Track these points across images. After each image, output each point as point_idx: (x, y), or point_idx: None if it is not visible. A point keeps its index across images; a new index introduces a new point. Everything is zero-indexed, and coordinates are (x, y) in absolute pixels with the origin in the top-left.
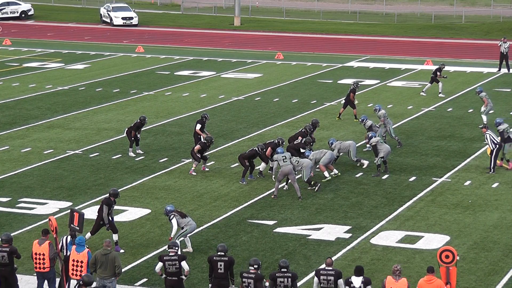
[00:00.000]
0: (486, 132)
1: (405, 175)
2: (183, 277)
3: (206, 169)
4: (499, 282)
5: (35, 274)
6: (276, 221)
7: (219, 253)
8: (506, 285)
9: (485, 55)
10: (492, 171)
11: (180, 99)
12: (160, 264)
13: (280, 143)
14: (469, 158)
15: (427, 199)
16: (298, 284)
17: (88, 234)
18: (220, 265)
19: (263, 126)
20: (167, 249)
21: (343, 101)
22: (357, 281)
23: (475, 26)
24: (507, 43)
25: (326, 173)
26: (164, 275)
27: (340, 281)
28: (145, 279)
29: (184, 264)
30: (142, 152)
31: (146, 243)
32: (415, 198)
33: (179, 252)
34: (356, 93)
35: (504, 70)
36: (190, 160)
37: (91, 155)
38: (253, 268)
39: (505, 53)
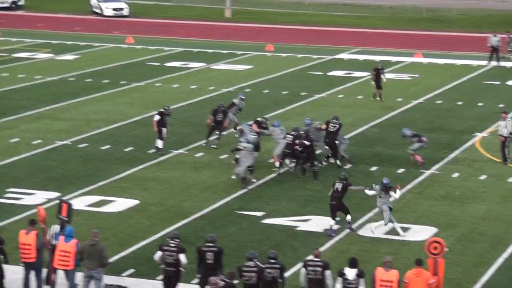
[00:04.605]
0: (507, 118)
1: (393, 167)
2: (182, 269)
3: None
4: (485, 273)
5: (22, 264)
6: (264, 212)
7: (208, 243)
8: (492, 277)
9: (476, 48)
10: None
11: (170, 90)
12: (159, 253)
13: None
14: (457, 150)
15: (415, 191)
16: (286, 275)
17: None
18: (209, 256)
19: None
20: (168, 239)
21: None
22: (351, 273)
23: (466, 19)
24: (497, 37)
25: (277, 164)
26: (163, 265)
27: (328, 272)
28: (132, 270)
29: (182, 257)
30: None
31: (134, 234)
32: (403, 190)
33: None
34: (346, 85)
35: (493, 63)
36: (180, 150)
37: (80, 146)
38: (253, 263)
39: (496, 47)
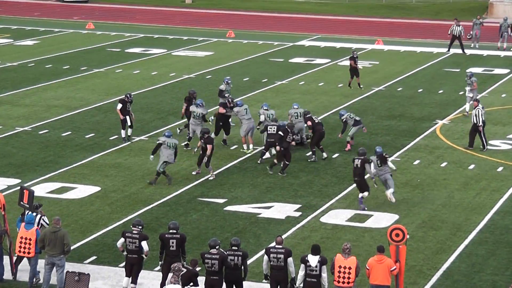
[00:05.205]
0: (478, 107)
1: (355, 155)
2: (144, 256)
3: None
4: (446, 260)
5: None
6: (226, 199)
7: (171, 230)
8: (453, 263)
9: (435, 35)
10: (485, 148)
11: (131, 76)
12: (121, 240)
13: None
14: (418, 137)
15: (377, 178)
16: (248, 262)
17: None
18: (172, 243)
19: (214, 104)
20: (131, 226)
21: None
22: (313, 260)
23: (426, 6)
24: (460, 26)
25: (245, 146)
26: (125, 252)
27: (290, 259)
28: (94, 257)
29: (144, 244)
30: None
31: (96, 220)
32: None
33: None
34: (309, 72)
35: (453, 51)
36: (141, 137)
37: (40, 132)
38: (215, 250)
39: (458, 35)
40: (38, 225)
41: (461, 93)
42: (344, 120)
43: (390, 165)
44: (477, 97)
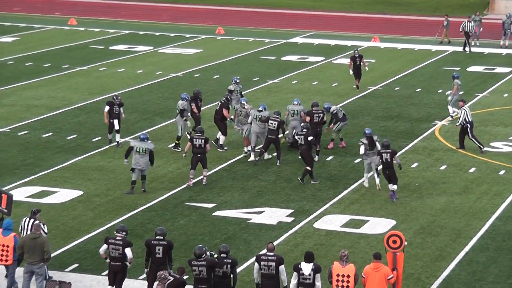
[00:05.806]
0: (463, 107)
1: (350, 157)
2: (127, 263)
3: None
4: (446, 268)
5: None
6: (215, 204)
7: (157, 237)
8: (453, 271)
9: (434, 32)
10: (482, 148)
11: (115, 75)
12: (104, 246)
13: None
14: (416, 139)
15: (373, 182)
16: (238, 270)
17: None
18: (159, 250)
19: (204, 104)
20: (115, 232)
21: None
22: (307, 267)
23: (424, 2)
24: (472, 22)
25: (245, 149)
26: (108, 259)
27: (282, 267)
28: (76, 265)
29: (128, 251)
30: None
31: (78, 226)
32: (360, 181)
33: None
34: (302, 70)
35: (453, 48)
36: (126, 138)
37: (19, 133)
38: (202, 258)
39: (469, 32)
40: None
41: (461, 92)
42: (335, 112)
43: (379, 148)
44: (463, 99)
